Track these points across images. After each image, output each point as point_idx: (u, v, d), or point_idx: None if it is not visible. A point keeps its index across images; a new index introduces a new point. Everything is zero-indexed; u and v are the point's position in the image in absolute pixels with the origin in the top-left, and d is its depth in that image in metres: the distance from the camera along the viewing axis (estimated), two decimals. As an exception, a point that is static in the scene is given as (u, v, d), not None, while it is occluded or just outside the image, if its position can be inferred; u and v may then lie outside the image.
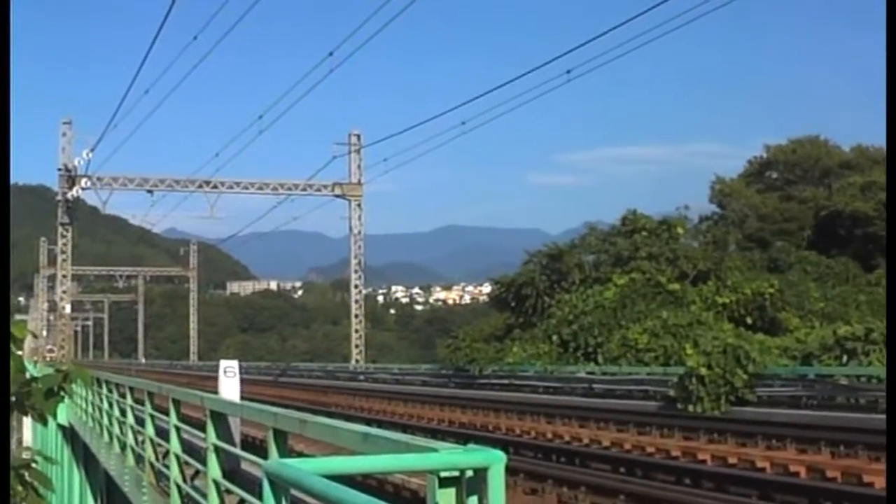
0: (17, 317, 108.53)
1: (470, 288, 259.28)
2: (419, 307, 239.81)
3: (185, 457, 11.21)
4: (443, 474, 4.08)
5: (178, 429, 11.65)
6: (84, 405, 22.98)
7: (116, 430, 17.26)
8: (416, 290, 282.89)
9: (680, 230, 49.24)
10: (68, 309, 71.56)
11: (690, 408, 27.86)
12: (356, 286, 66.98)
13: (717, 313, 42.21)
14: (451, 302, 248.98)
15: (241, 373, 13.92)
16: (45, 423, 5.78)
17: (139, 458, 14.61)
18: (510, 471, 13.14)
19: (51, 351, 66.16)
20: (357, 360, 64.29)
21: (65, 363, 58.41)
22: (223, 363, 13.60)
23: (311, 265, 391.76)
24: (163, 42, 33.40)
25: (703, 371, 27.93)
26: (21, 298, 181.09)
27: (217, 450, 9.29)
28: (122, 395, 16.52)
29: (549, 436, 24.85)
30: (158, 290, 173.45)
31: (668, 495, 16.28)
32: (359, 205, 65.03)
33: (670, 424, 23.96)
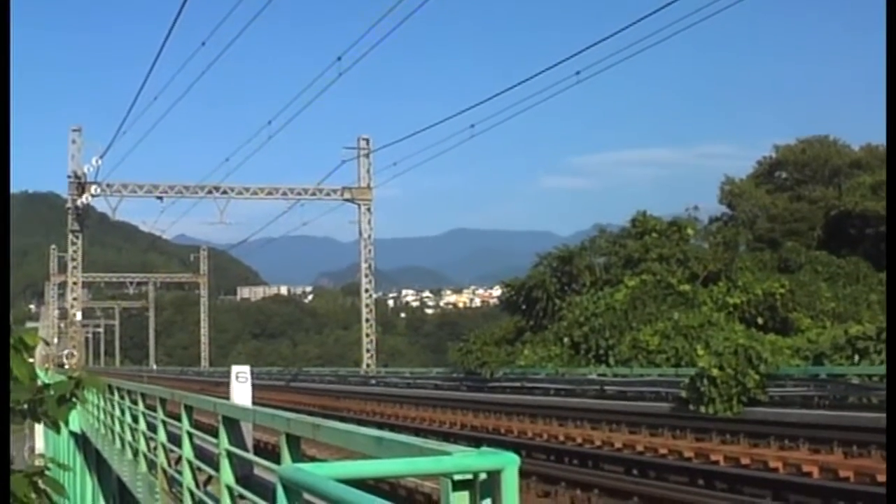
0: (29, 324, 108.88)
1: (480, 291, 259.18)
2: (430, 311, 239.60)
3: (198, 462, 11.22)
4: (456, 477, 4.07)
5: (190, 435, 11.65)
6: (96, 412, 23.02)
7: (129, 436, 17.29)
8: (427, 293, 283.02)
9: (690, 231, 49.14)
10: (79, 316, 71.66)
11: (702, 409, 27.80)
12: (367, 291, 66.91)
13: (728, 314, 42.10)
14: (461, 305, 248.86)
15: (252, 378, 13.91)
16: (57, 430, 5.77)
17: (151, 465, 14.63)
18: (523, 473, 13.15)
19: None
20: (368, 365, 64.30)
21: (76, 370, 58.55)
22: (235, 369, 13.57)
23: (322, 270, 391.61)
24: (171, 48, 33.40)
25: (715, 372, 27.88)
26: (32, 306, 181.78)
27: (230, 455, 9.30)
28: (134, 402, 16.54)
29: (562, 438, 24.85)
30: (169, 297, 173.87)
31: (681, 496, 16.27)
32: (368, 209, 64.98)
33: (682, 426, 23.94)
